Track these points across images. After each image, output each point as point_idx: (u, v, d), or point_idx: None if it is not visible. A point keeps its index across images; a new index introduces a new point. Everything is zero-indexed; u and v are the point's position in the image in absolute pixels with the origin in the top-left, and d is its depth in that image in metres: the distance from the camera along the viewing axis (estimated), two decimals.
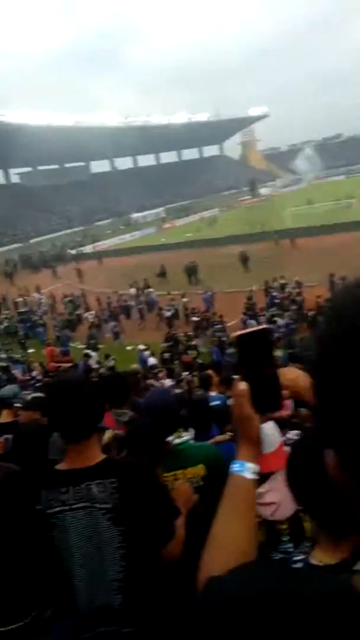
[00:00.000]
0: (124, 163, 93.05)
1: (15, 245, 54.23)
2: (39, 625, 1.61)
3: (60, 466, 1.65)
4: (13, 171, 79.83)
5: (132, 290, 24.64)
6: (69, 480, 1.58)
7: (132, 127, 78.97)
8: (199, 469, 2.13)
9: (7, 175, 79.24)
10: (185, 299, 21.59)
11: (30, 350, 19.04)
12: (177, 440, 2.18)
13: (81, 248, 47.83)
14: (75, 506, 1.55)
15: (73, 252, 46.38)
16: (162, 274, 28.24)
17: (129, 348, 18.16)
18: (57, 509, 1.56)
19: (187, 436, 2.34)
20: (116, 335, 19.91)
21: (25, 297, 27.94)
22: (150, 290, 24.52)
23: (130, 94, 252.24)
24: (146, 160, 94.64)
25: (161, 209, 70.95)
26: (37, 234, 58.84)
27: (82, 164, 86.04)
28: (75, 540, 1.55)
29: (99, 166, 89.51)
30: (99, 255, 41.73)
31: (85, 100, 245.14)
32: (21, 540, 1.61)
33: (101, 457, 1.65)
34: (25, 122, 64.30)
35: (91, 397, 1.65)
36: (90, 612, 1.56)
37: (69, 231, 61.10)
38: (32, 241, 56.25)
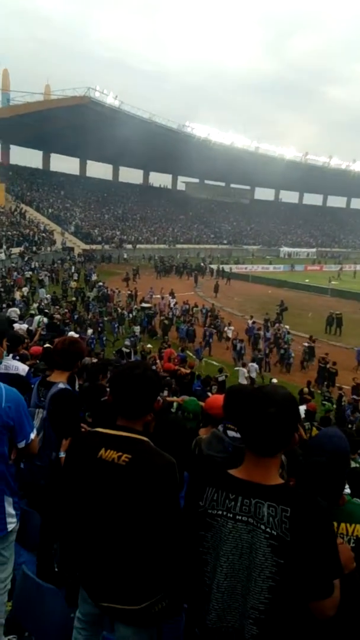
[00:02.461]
0: (289, 196, 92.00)
1: (162, 246, 55.86)
2: (149, 616, 1.75)
3: (235, 472, 1.60)
4: (181, 179, 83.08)
5: (252, 320, 23.68)
6: (241, 489, 1.54)
7: (307, 165, 77.59)
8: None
9: (175, 182, 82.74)
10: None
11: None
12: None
13: (223, 265, 47.51)
14: (239, 518, 1.51)
15: (214, 267, 46.40)
16: (283, 310, 27.63)
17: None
18: (219, 512, 1.54)
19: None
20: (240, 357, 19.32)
21: (158, 296, 28.52)
22: (286, 327, 22.76)
23: (317, 132, 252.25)
24: (313, 199, 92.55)
25: (313, 249, 68.61)
26: (185, 242, 60.22)
27: (247, 187, 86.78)
28: (227, 550, 1.51)
29: (264, 194, 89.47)
30: (229, 276, 42.40)
31: (270, 130, 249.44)
32: (169, 525, 1.71)
33: (279, 480, 1.58)
34: (206, 136, 66.30)
35: (293, 413, 1.58)
36: (217, 629, 1.53)
37: (215, 246, 61.71)
38: (178, 246, 57.53)
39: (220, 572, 1.51)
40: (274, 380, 15.22)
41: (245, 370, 16.42)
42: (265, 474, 1.56)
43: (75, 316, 22.24)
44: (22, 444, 2.35)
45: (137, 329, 21.78)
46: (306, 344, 19.86)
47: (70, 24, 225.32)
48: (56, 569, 2.95)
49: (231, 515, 1.52)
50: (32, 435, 2.41)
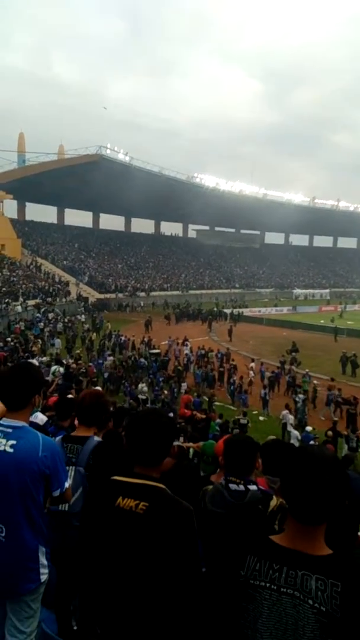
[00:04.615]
0: (299, 239, 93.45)
1: (175, 292, 56.50)
2: None
3: (278, 540, 1.49)
4: (192, 226, 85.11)
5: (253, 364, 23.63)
6: (286, 559, 1.43)
7: (315, 209, 79.13)
8: None
9: (185, 230, 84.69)
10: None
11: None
12: None
13: (237, 309, 47.79)
14: (283, 590, 1.39)
15: (227, 311, 46.66)
16: (294, 351, 27.47)
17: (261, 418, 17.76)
18: (262, 583, 1.43)
19: None
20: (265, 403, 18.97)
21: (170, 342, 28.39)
22: (306, 371, 22.57)
23: (324, 177, 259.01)
24: (323, 241, 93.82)
25: (327, 290, 68.57)
26: (198, 287, 60.89)
27: (257, 232, 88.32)
28: (268, 625, 1.39)
29: (274, 238, 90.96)
30: (236, 319, 42.12)
31: (277, 177, 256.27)
32: (189, 572, 1.68)
33: (327, 550, 1.45)
34: (214, 186, 68.46)
35: (342, 479, 1.43)
36: None
37: (227, 291, 62.13)
38: (191, 292, 58.18)
39: None
40: (309, 428, 14.66)
41: (285, 411, 15.84)
42: (312, 542, 1.45)
43: (106, 374, 21.20)
44: (57, 493, 2.37)
45: (184, 385, 20.14)
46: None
47: (84, 89, 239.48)
48: (75, 627, 2.86)
49: (275, 587, 1.41)
50: (67, 484, 2.44)
